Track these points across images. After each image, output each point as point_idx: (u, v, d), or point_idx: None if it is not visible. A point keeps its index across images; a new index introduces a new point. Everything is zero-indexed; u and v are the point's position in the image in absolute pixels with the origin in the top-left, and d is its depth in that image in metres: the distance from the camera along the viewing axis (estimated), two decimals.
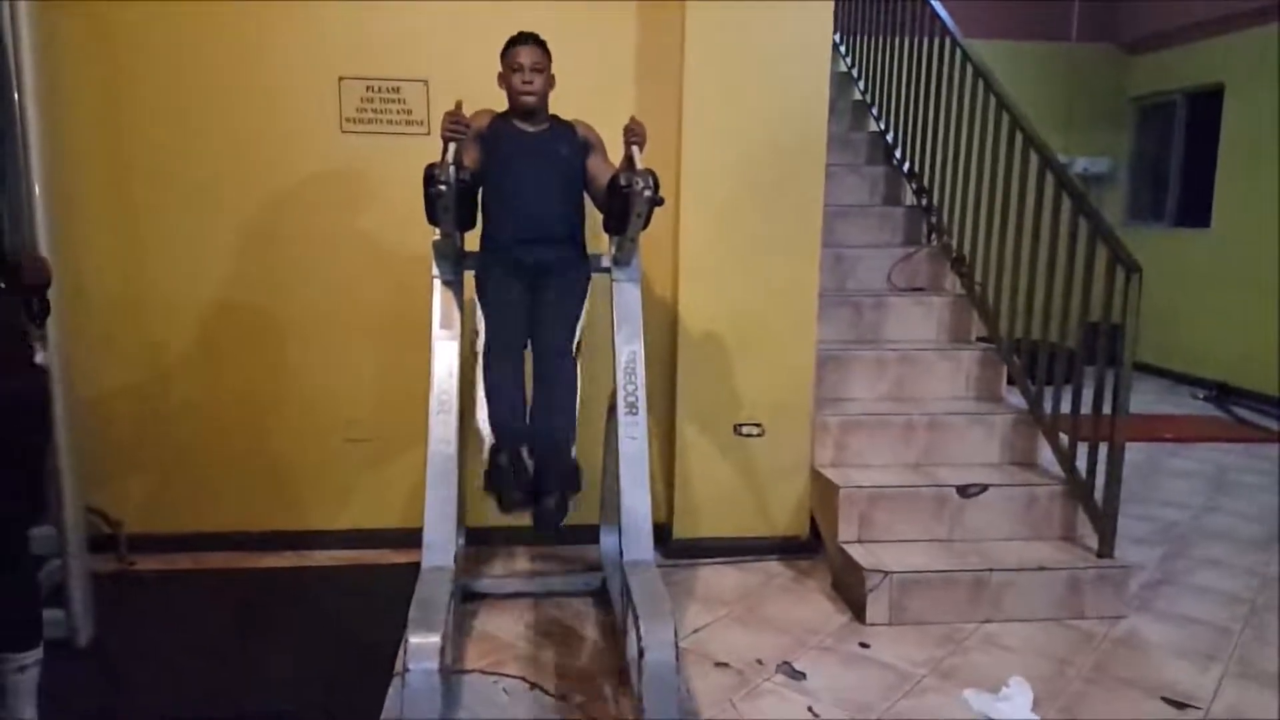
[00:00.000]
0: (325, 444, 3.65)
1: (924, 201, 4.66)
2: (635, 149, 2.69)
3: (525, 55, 2.83)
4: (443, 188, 2.53)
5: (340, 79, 3.46)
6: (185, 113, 3.42)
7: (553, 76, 2.91)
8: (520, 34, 2.87)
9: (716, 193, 3.52)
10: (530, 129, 2.90)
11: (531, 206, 2.86)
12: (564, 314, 2.85)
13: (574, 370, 2.78)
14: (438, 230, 2.87)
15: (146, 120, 3.41)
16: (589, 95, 3.13)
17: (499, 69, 2.88)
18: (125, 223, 3.43)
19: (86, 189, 3.39)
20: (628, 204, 2.61)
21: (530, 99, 2.84)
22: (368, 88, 3.48)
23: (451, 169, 2.55)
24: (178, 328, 3.54)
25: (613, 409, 3.03)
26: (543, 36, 2.87)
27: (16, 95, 2.63)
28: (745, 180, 3.53)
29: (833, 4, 3.50)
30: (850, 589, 3.24)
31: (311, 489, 3.68)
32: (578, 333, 2.84)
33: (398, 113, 3.50)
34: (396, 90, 3.49)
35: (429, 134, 3.47)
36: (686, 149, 3.49)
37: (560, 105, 2.99)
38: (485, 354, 2.73)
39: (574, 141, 2.95)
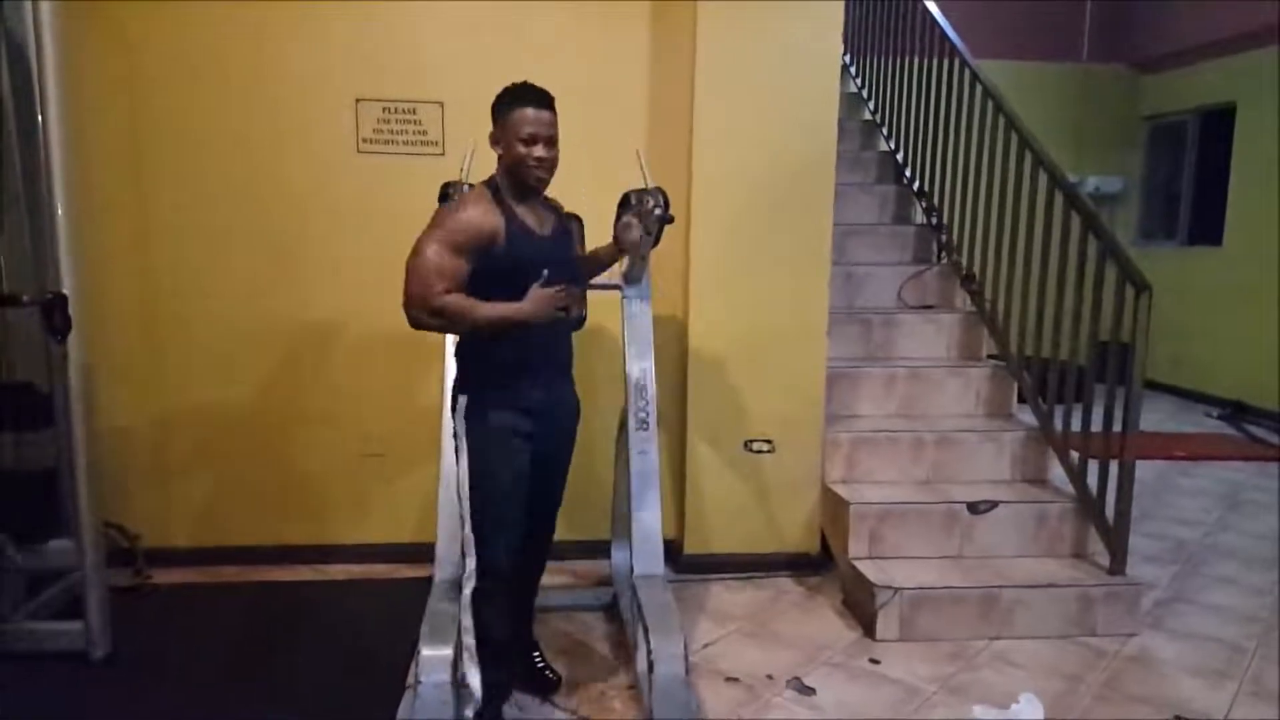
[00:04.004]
0: (340, 459, 3.69)
1: (934, 220, 4.68)
2: (643, 167, 2.73)
3: (542, 123, 2.29)
4: None
5: (357, 100, 3.53)
6: (204, 133, 3.49)
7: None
8: (530, 90, 2.31)
9: (727, 210, 3.55)
10: (542, 231, 2.38)
11: (550, 331, 2.39)
12: (561, 480, 2.61)
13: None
14: None
15: (165, 142, 3.48)
16: (601, 123, 3.15)
17: (491, 129, 2.35)
18: (143, 242, 3.49)
19: (106, 210, 3.45)
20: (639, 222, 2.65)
21: (544, 182, 2.36)
22: (384, 109, 3.54)
23: (466, 187, 2.60)
24: (194, 344, 3.59)
25: (624, 425, 3.06)
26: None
27: (40, 117, 2.69)
28: (756, 198, 3.56)
29: (841, 23, 3.55)
30: (860, 605, 3.25)
31: (326, 504, 3.72)
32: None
33: (414, 134, 3.56)
34: (413, 112, 3.54)
35: (444, 154, 3.53)
36: (697, 167, 3.52)
37: (577, 131, 3.00)
38: (481, 578, 2.34)
39: (573, 237, 2.60)
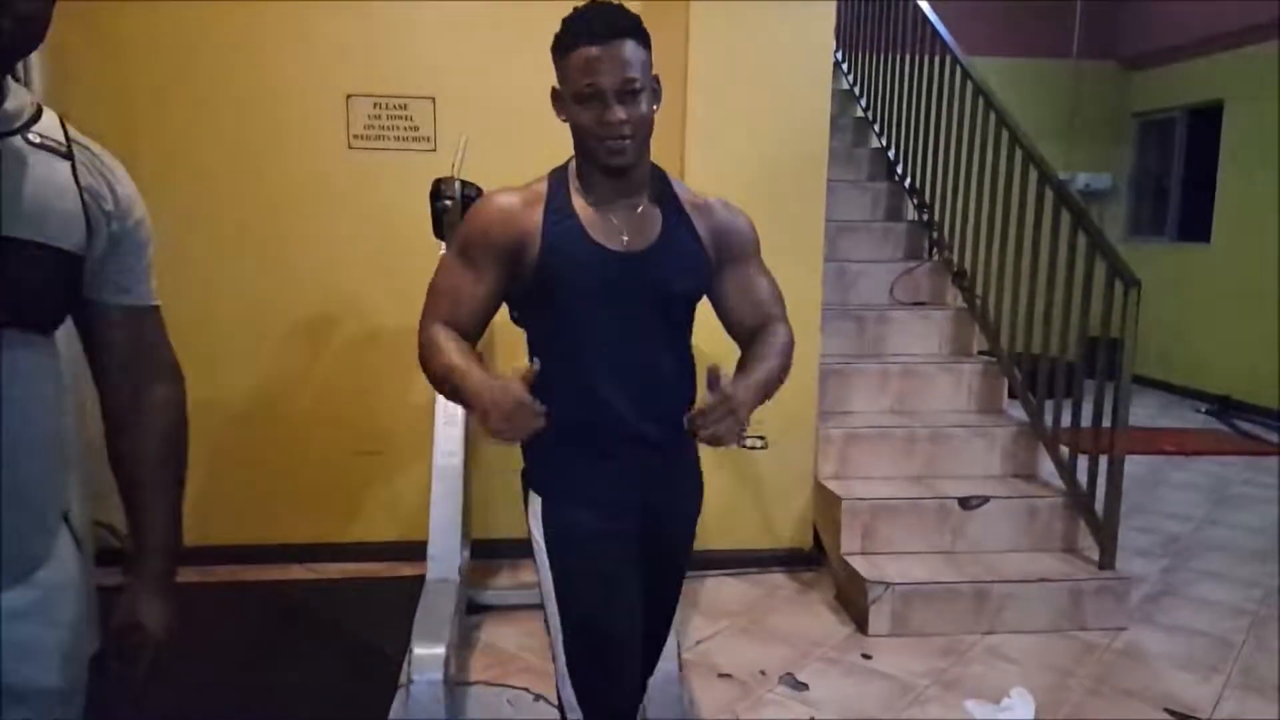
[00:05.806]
0: (335, 457, 3.68)
1: (925, 217, 4.69)
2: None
3: (613, 65, 1.44)
4: (449, 202, 2.58)
5: (348, 96, 3.51)
6: (194, 131, 3.46)
7: (658, 89, 1.59)
8: (595, 16, 1.46)
9: None
10: (615, 240, 1.56)
11: (632, 390, 1.61)
12: (676, 581, 1.88)
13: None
14: (444, 245, 2.91)
15: (155, 143, 3.44)
16: None
17: (554, 81, 1.56)
18: None
19: None
20: None
21: (622, 157, 1.51)
22: (375, 105, 3.53)
23: (457, 184, 2.59)
24: (184, 341, 3.54)
25: None
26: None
27: None
28: (748, 195, 3.49)
29: (833, 21, 3.55)
30: (853, 600, 3.26)
31: (320, 502, 3.70)
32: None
33: (405, 129, 3.54)
34: (404, 107, 3.53)
35: (435, 150, 3.52)
36: (689, 165, 3.52)
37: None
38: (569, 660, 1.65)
39: (694, 252, 1.66)
